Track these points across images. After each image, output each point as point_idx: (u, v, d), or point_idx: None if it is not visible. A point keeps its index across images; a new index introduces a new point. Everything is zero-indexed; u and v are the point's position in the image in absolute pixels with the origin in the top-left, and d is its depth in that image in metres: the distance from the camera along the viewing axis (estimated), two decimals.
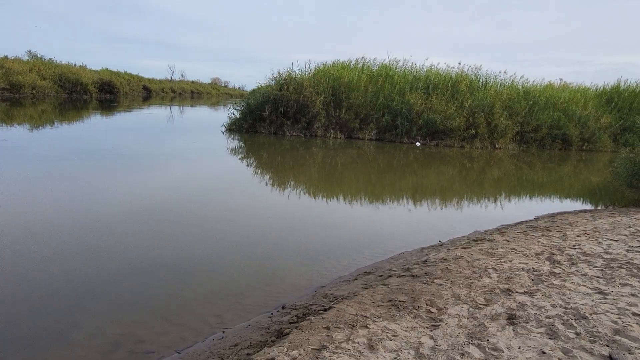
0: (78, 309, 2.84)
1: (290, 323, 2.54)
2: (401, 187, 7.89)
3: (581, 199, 8.01)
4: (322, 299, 2.94)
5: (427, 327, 2.23)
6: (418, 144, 14.19)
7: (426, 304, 2.52)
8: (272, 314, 2.86)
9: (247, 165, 8.97)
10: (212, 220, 4.92)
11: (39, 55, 26.31)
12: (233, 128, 14.43)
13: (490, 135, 14.72)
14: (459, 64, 16.84)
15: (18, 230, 4.09)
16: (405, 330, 2.18)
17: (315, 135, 14.10)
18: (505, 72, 18.06)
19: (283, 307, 2.94)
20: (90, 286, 3.14)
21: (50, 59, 26.69)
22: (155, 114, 20.96)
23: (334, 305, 2.58)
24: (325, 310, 2.59)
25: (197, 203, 5.59)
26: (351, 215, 5.69)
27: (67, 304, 2.89)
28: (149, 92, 37.46)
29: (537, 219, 5.79)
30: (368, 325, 2.23)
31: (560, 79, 19.58)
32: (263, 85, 15.05)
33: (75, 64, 28.24)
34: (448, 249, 3.76)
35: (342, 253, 4.15)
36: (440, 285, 2.83)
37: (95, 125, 14.09)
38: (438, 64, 17.88)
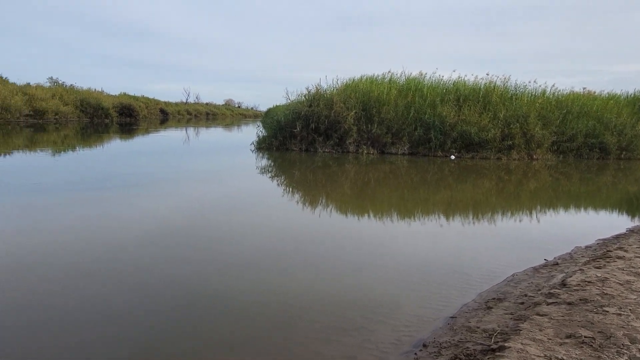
0: (171, 351, 2.41)
1: None
2: (460, 202, 7.43)
3: None
4: (469, 333, 2.49)
5: None
6: (453, 157, 13.74)
7: (630, 341, 2.06)
8: (415, 354, 2.40)
9: (293, 186, 8.60)
10: (290, 248, 4.51)
11: (60, 82, 26.52)
12: (263, 146, 14.11)
13: (526, 145, 14.26)
14: (487, 74, 16.39)
15: (65, 270, 3.71)
16: None
17: (348, 151, 13.73)
18: (535, 81, 17.54)
19: (424, 345, 2.48)
20: (186, 325, 2.72)
21: (71, 85, 26.92)
22: (177, 136, 20.83)
23: (506, 345, 2.12)
24: (494, 350, 2.14)
25: (265, 229, 5.19)
26: (424, 235, 5.23)
27: (151, 345, 2.46)
28: (166, 115, 37.60)
29: (633, 231, 5.29)
30: None
31: (584, 88, 18.98)
32: (293, 101, 14.78)
33: (95, 89, 28.40)
34: (582, 270, 3.29)
35: (446, 276, 3.69)
36: (620, 315, 2.37)
37: (127, 148, 13.91)
38: (465, 75, 17.41)
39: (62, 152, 11.84)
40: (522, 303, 2.84)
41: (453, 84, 16.08)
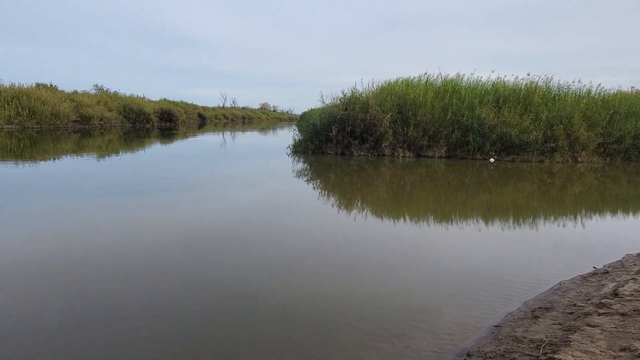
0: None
1: None
2: (500, 206, 7.22)
3: None
4: (515, 343, 2.40)
5: None
6: (492, 160, 13.38)
7: None
8: None
9: (329, 189, 8.60)
10: (326, 251, 4.51)
11: (105, 89, 27.65)
12: (299, 150, 14.21)
13: (570, 148, 13.72)
14: (528, 74, 15.88)
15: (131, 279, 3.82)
16: None
17: (383, 155, 13.62)
18: (579, 80, 16.88)
19: (469, 355, 2.42)
20: (226, 327, 2.76)
21: (115, 91, 28.02)
22: (214, 140, 21.26)
23: (556, 357, 2.03)
24: None
25: (303, 233, 5.21)
26: (463, 239, 5.10)
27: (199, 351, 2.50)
28: (203, 120, 38.52)
29: None
30: None
31: (632, 87, 18.08)
32: (328, 104, 14.80)
33: (137, 95, 29.45)
34: (634, 279, 3.13)
35: (488, 283, 3.59)
36: None
37: (168, 153, 14.31)
38: (505, 76, 16.91)
39: (106, 156, 12.32)
40: (571, 313, 2.72)
41: (492, 84, 15.68)
